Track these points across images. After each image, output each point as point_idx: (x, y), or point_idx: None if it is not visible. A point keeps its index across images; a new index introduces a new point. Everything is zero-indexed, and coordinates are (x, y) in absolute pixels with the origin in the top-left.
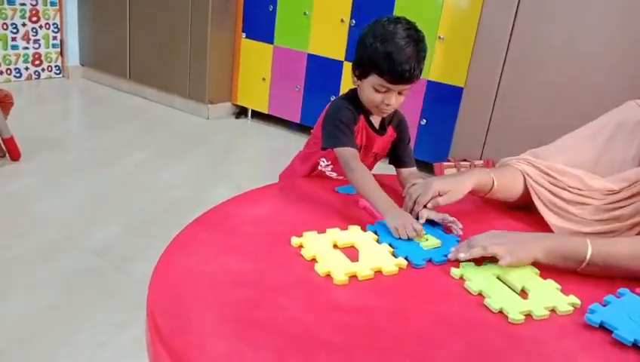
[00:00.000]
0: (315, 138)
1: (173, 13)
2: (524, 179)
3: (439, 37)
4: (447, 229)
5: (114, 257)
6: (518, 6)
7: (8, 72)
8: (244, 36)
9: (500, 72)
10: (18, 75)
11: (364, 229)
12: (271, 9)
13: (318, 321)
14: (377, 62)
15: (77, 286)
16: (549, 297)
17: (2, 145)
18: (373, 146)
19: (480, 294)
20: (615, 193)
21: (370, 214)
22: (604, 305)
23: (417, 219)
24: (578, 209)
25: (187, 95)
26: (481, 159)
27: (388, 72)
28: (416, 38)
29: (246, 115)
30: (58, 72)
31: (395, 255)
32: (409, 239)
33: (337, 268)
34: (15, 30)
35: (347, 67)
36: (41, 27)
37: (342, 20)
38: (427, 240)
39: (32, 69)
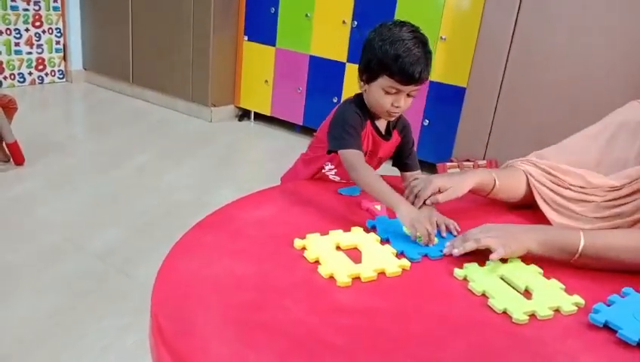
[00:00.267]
0: (320, 141)
1: (176, 16)
2: (527, 180)
3: (441, 37)
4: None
5: (117, 260)
6: (519, 6)
7: (12, 77)
8: (246, 39)
9: (502, 71)
10: (22, 79)
11: (366, 231)
12: (273, 11)
13: (321, 323)
14: (388, 64)
15: (80, 289)
16: (553, 297)
17: (6, 149)
18: (378, 151)
19: (483, 294)
20: (617, 189)
21: (373, 215)
22: (609, 305)
23: None
24: (580, 206)
25: (190, 98)
26: (484, 159)
27: (399, 73)
28: (423, 40)
29: (249, 118)
30: (61, 76)
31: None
32: (416, 238)
33: (340, 269)
34: (18, 35)
35: (349, 68)
36: (44, 32)
37: (343, 22)
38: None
39: (36, 73)
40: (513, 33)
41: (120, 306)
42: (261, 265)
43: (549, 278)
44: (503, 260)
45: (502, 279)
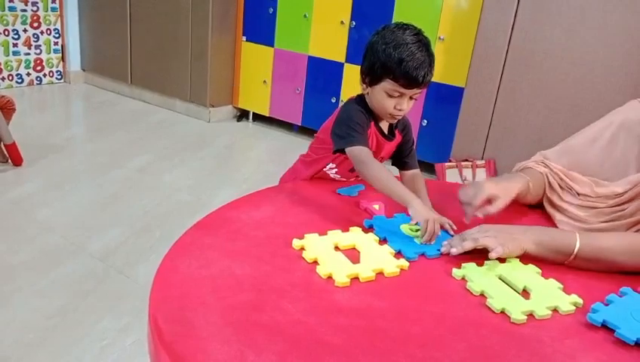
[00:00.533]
0: (322, 143)
1: (174, 17)
2: (545, 182)
3: (439, 37)
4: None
5: (117, 261)
6: (517, 6)
7: (10, 77)
8: (244, 39)
9: (500, 72)
10: (20, 80)
11: (365, 231)
12: (271, 12)
13: (320, 323)
14: (391, 68)
15: (80, 290)
16: (551, 297)
17: (5, 151)
18: (381, 152)
19: (482, 295)
20: (620, 195)
21: (371, 215)
22: (607, 304)
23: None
24: (584, 212)
25: (188, 99)
26: (482, 159)
27: (403, 77)
28: (426, 43)
29: (247, 118)
30: (59, 77)
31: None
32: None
33: (339, 270)
34: (16, 36)
35: (348, 69)
36: (42, 33)
37: (342, 22)
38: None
39: (34, 74)
40: (511, 33)
41: (120, 306)
42: (260, 266)
43: (547, 278)
44: (501, 260)
45: (500, 279)
